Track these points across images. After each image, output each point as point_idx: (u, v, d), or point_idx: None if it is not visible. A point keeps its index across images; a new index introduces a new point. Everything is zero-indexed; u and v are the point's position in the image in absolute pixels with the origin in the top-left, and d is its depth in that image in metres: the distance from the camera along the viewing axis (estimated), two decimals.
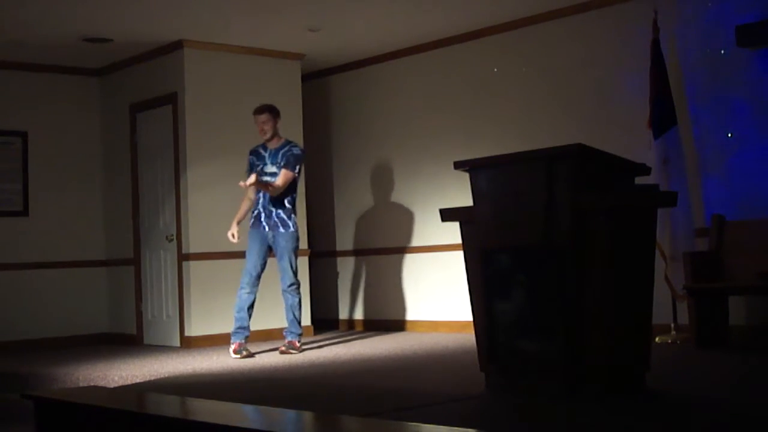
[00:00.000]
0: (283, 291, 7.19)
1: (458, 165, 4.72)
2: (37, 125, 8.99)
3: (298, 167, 7.17)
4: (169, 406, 4.20)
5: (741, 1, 6.68)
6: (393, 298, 8.99)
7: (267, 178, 7.12)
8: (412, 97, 8.88)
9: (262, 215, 7.14)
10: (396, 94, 9.02)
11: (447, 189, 8.34)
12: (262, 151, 7.28)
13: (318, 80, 9.63)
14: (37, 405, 4.47)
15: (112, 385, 5.97)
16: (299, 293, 7.23)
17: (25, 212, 8.87)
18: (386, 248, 9.03)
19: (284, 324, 7.30)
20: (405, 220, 8.90)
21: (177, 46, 8.34)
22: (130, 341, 8.79)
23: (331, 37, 8.42)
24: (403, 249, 8.89)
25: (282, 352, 7.15)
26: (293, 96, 8.89)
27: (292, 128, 8.80)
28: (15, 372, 6.85)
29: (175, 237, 8.37)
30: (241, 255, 8.42)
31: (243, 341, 7.09)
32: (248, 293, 7.14)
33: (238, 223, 7.31)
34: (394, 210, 9.01)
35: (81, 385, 6.15)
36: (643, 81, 6.86)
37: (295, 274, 7.18)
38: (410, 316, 8.83)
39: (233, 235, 7.26)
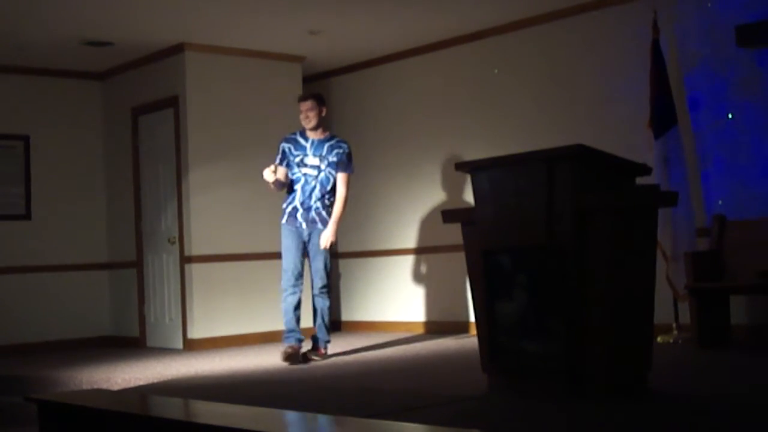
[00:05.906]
0: (314, 294, 6.75)
1: (459, 166, 4.73)
2: (39, 129, 9.00)
3: (352, 166, 6.78)
4: (172, 409, 4.21)
5: (741, 1, 6.69)
6: (394, 299, 9.00)
7: (307, 170, 6.63)
8: (412, 98, 8.89)
9: (299, 211, 6.67)
10: (397, 96, 9.03)
11: (448, 190, 8.35)
12: (301, 140, 6.76)
13: (319, 82, 9.64)
14: (40, 408, 4.48)
15: (115, 387, 5.98)
16: (329, 296, 6.76)
17: (27, 216, 8.89)
18: (386, 250, 9.03)
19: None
20: (405, 221, 8.90)
21: (178, 49, 8.35)
22: (133, 344, 8.80)
23: (332, 40, 8.43)
24: (403, 250, 8.90)
25: (305, 358, 6.69)
26: (294, 98, 8.88)
27: (293, 130, 8.81)
28: (18, 375, 6.87)
29: (177, 239, 8.38)
30: (242, 257, 8.48)
31: (295, 344, 6.59)
32: (291, 294, 6.63)
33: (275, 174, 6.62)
34: (394, 212, 9.01)
35: (84, 387, 6.16)
36: (643, 81, 6.86)
37: (329, 276, 6.73)
38: (411, 317, 8.84)
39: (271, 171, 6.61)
